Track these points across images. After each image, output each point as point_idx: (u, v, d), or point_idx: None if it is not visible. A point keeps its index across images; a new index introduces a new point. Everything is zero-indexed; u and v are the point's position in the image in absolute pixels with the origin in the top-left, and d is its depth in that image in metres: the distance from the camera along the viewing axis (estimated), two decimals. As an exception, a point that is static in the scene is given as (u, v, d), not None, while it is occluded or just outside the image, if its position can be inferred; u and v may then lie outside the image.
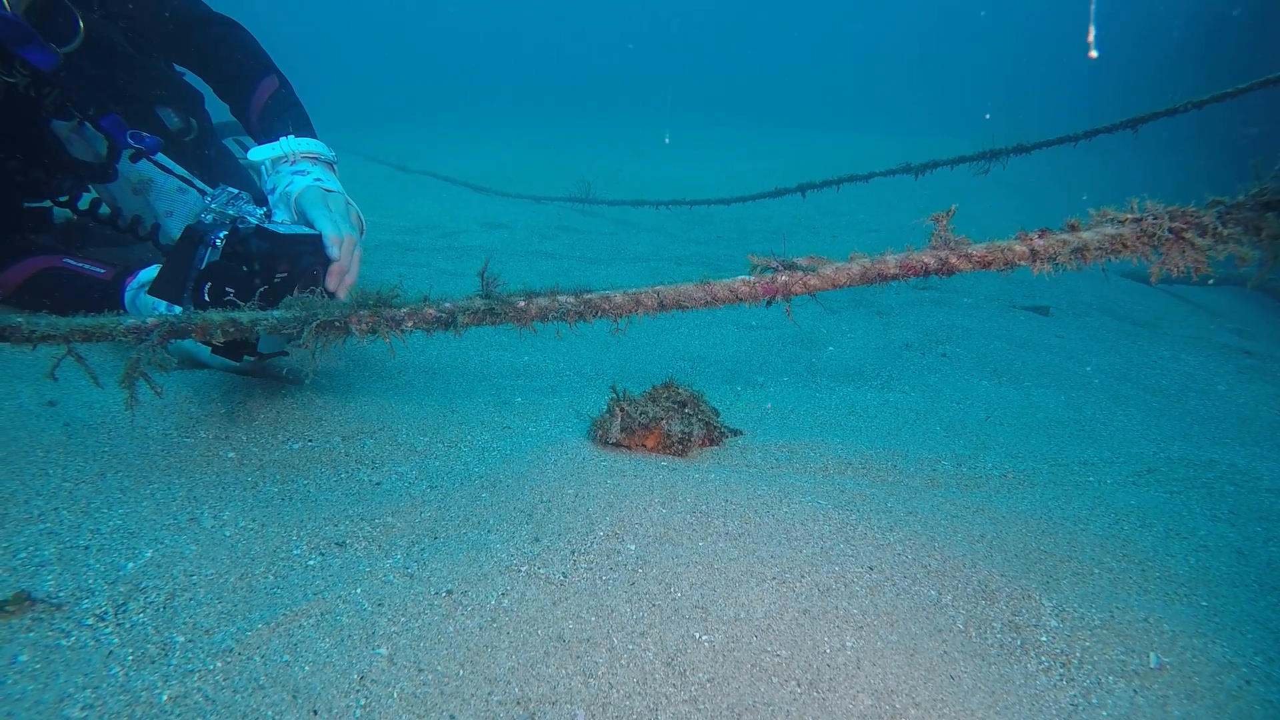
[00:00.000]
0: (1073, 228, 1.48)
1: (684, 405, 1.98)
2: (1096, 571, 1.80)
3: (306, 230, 2.12)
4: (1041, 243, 1.48)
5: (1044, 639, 1.55)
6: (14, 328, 1.65)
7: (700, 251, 5.86)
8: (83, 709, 1.12)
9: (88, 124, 2.58)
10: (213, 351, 2.05)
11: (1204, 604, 1.72)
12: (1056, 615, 1.61)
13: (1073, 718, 1.34)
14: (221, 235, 1.99)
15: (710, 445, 2.09)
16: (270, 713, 1.14)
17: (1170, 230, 1.40)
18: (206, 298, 1.87)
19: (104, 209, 2.78)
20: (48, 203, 2.86)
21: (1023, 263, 1.49)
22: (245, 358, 2.09)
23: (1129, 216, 1.45)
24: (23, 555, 1.44)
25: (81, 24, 2.48)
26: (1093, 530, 1.96)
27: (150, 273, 2.35)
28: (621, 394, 1.92)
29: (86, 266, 2.48)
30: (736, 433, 2.23)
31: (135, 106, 2.92)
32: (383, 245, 5.26)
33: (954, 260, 1.49)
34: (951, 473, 2.21)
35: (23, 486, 1.62)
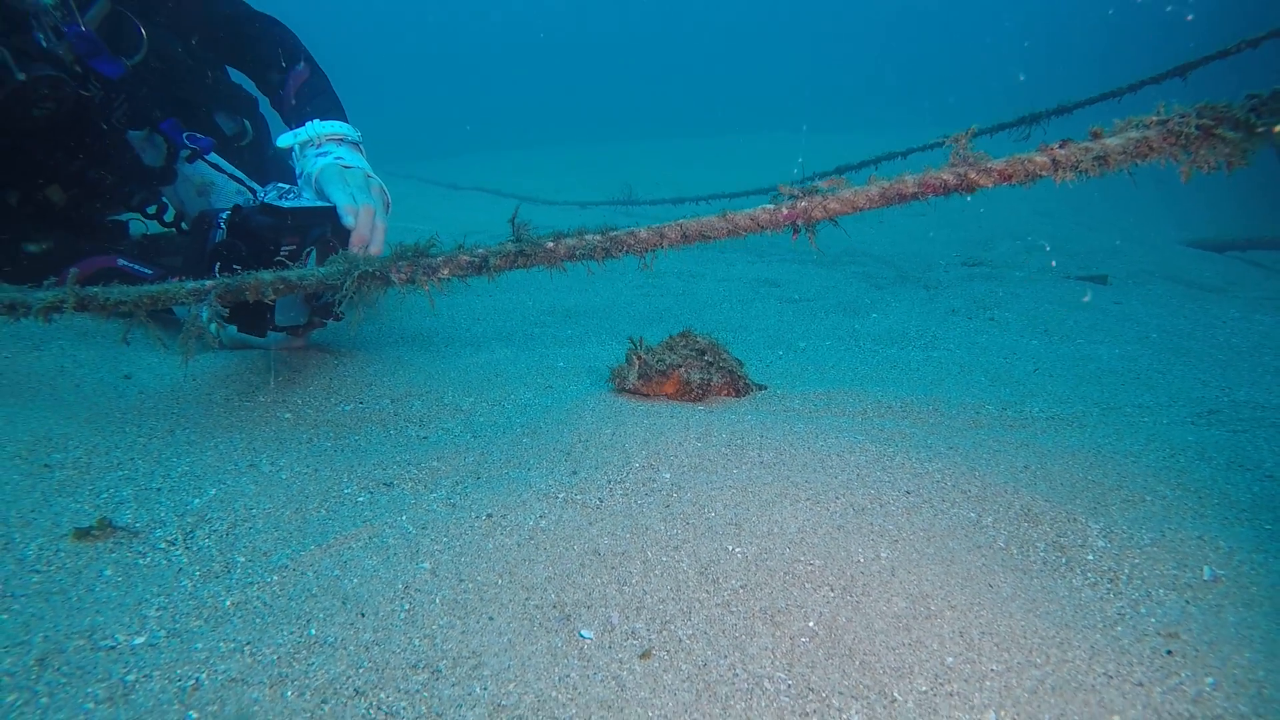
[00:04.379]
0: (1095, 135, 1.47)
1: (703, 353, 2.01)
2: (1148, 499, 1.75)
3: (319, 203, 2.16)
4: (1063, 152, 1.46)
5: (1090, 557, 1.52)
6: (92, 297, 1.79)
7: (743, 239, 5.87)
8: (158, 610, 1.21)
9: (155, 132, 2.78)
10: (239, 329, 2.10)
11: (1268, 527, 1.66)
12: (1104, 536, 1.58)
13: (1118, 625, 1.31)
14: (225, 215, 2.04)
15: (734, 395, 2.11)
16: (322, 614, 1.21)
17: (1198, 128, 1.38)
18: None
19: (169, 214, 2.97)
20: (125, 215, 3.08)
21: (1044, 173, 1.47)
22: (270, 333, 2.15)
23: (1154, 120, 1.43)
24: (105, 495, 1.56)
25: (145, 35, 2.68)
26: (1145, 462, 1.91)
27: None
28: (638, 342, 1.96)
29: (135, 266, 2.65)
30: (762, 387, 2.24)
31: (194, 113, 3.11)
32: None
33: (973, 175, 1.49)
34: (995, 415, 2.18)
35: (104, 441, 1.75)
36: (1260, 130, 1.36)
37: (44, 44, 2.35)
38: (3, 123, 2.35)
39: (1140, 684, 1.14)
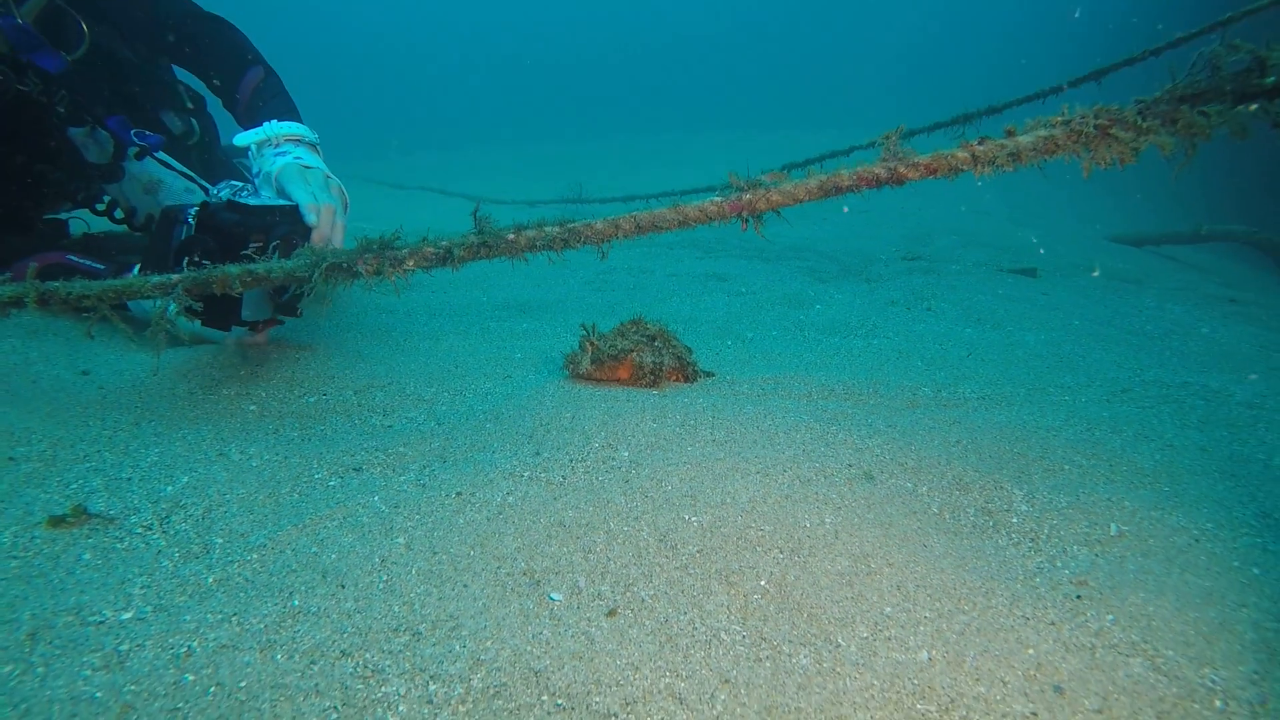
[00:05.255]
0: (1010, 133, 1.62)
1: (654, 339, 2.11)
2: (1066, 468, 1.92)
3: (282, 202, 2.20)
4: (981, 149, 1.61)
5: (1014, 520, 1.67)
6: (54, 291, 1.80)
7: (691, 236, 6.00)
8: (142, 588, 1.26)
9: (99, 129, 2.75)
10: (203, 323, 2.12)
11: (1165, 489, 1.84)
12: (1027, 501, 1.74)
13: (1037, 576, 1.46)
14: (193, 211, 2.08)
15: (684, 381, 2.22)
16: (303, 587, 1.27)
17: (1096, 127, 1.53)
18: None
19: (119, 211, 2.94)
20: (64, 215, 3.03)
21: (965, 167, 1.61)
22: (234, 328, 2.17)
23: (1059, 120, 1.58)
24: (74, 486, 1.58)
25: (87, 30, 2.65)
26: (1064, 436, 2.08)
27: None
28: (591, 328, 2.05)
29: (87, 262, 2.63)
30: (711, 374, 2.36)
31: (141, 112, 3.08)
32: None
33: (902, 169, 1.62)
34: (931, 396, 2.34)
35: (69, 434, 1.76)
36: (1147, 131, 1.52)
37: None
38: None
39: (1053, 623, 1.28)
